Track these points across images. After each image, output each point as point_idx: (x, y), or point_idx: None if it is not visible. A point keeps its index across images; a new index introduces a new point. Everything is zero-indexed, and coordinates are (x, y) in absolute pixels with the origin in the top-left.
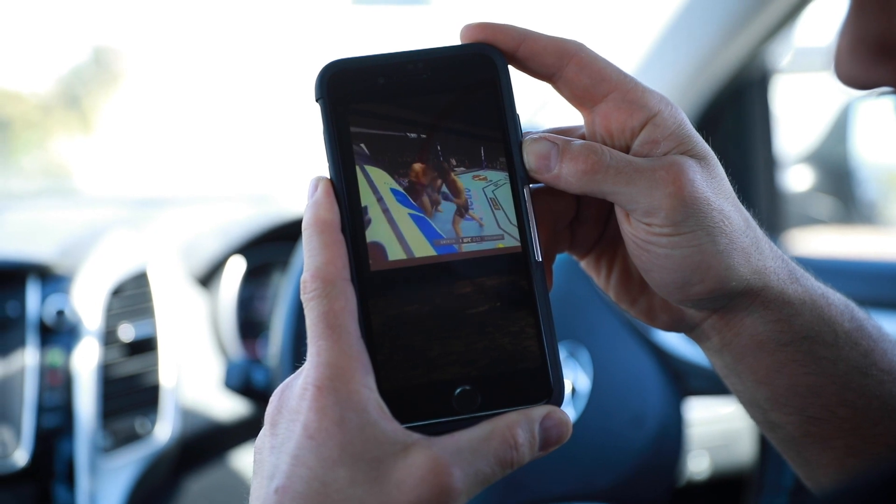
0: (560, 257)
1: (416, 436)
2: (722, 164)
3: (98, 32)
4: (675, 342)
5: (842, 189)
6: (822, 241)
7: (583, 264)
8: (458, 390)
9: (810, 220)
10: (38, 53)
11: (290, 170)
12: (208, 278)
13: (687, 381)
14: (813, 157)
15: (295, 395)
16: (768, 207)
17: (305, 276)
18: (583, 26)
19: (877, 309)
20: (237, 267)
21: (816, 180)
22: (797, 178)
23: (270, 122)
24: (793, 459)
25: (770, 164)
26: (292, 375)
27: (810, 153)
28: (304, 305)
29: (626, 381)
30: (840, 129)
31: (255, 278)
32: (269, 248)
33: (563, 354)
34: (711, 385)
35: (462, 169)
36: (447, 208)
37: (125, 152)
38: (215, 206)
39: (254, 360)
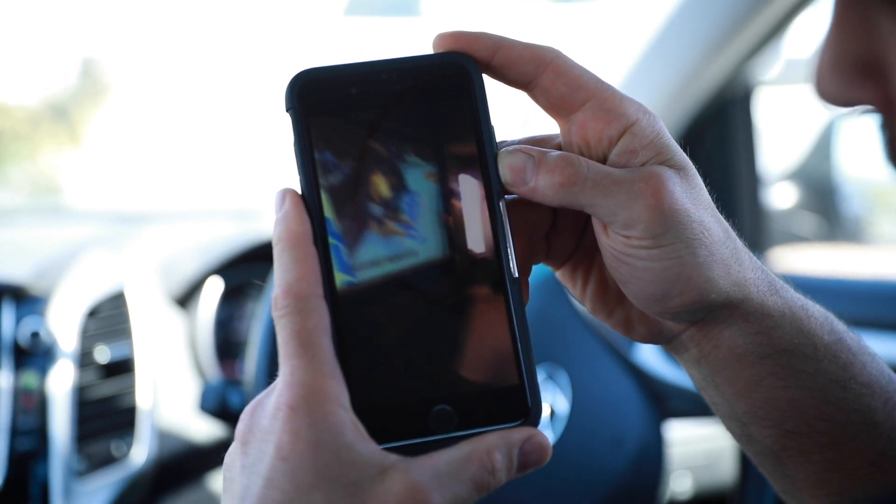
0: (539, 278)
1: (393, 457)
2: (705, 182)
3: (86, 45)
4: (655, 363)
5: (826, 206)
6: (805, 259)
7: (558, 275)
8: (434, 410)
9: (794, 238)
10: (26, 66)
11: (280, 185)
12: (186, 298)
13: (667, 403)
14: (797, 174)
15: (267, 415)
16: (752, 225)
17: (277, 292)
18: (566, 44)
19: (862, 328)
20: (215, 287)
21: (800, 197)
22: (781, 195)
23: (262, 135)
24: (770, 473)
25: (753, 181)
26: (263, 392)
27: (794, 170)
28: (276, 323)
29: (606, 403)
30: (824, 146)
31: (234, 299)
32: (248, 268)
33: (541, 377)
34: (692, 406)
35: (437, 182)
36: (423, 222)
37: (114, 165)
38: (196, 224)
39: (232, 381)
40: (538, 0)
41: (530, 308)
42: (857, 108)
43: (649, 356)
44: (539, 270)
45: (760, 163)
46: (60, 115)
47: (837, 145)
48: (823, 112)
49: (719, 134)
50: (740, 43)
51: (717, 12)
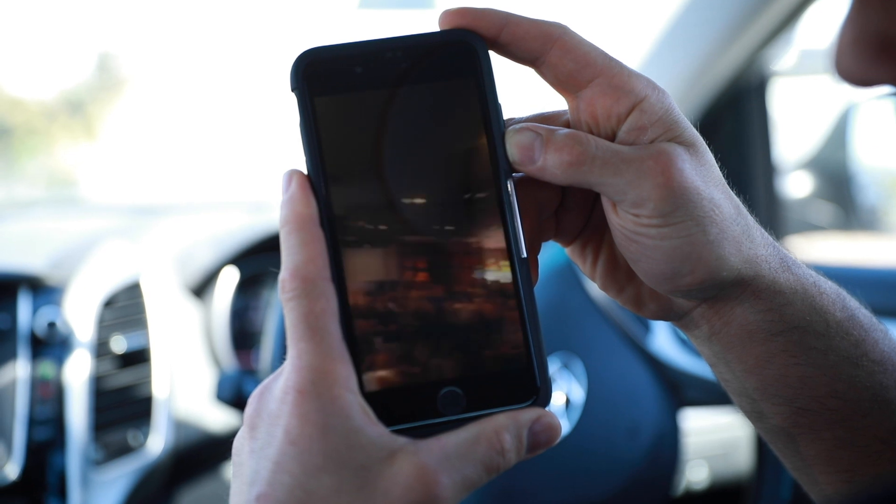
0: (554, 267)
1: (401, 440)
2: (721, 170)
3: (102, 40)
4: (671, 352)
5: (842, 195)
6: (822, 248)
7: (568, 251)
8: (442, 392)
9: (810, 227)
10: (42, 61)
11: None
12: (202, 289)
13: (683, 392)
14: (812, 163)
15: (275, 399)
16: (768, 214)
17: (284, 274)
18: (582, 32)
19: (878, 317)
20: (231, 277)
21: (816, 186)
22: (797, 184)
23: (275, 129)
24: (781, 450)
25: (769, 170)
26: (271, 376)
27: (810, 158)
28: (284, 306)
29: (621, 392)
30: (840, 134)
31: (249, 288)
32: (263, 258)
33: (557, 365)
34: (707, 396)
35: (442, 162)
36: (428, 201)
37: (129, 158)
38: (210, 216)
39: (248, 370)
40: None
41: (545, 297)
42: (874, 87)
43: (665, 345)
44: (554, 259)
45: (776, 152)
46: (76, 109)
47: (853, 134)
48: (839, 102)
49: (735, 123)
50: (754, 32)
51: (731, 1)
